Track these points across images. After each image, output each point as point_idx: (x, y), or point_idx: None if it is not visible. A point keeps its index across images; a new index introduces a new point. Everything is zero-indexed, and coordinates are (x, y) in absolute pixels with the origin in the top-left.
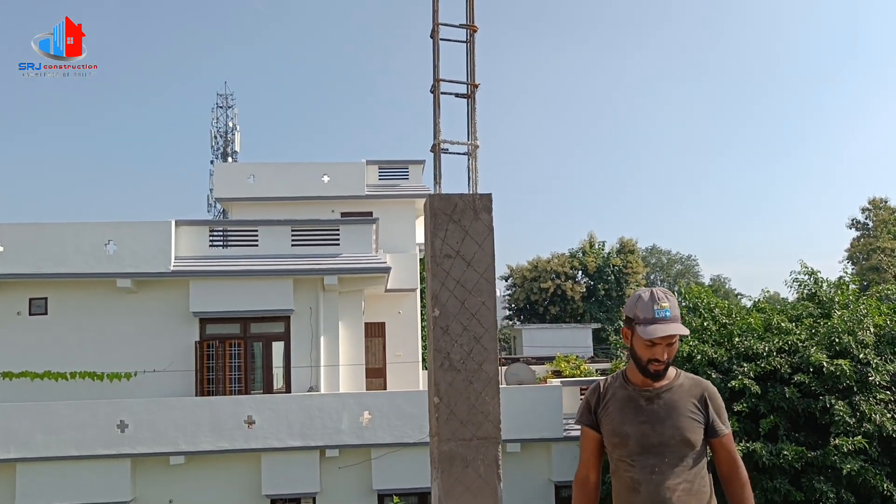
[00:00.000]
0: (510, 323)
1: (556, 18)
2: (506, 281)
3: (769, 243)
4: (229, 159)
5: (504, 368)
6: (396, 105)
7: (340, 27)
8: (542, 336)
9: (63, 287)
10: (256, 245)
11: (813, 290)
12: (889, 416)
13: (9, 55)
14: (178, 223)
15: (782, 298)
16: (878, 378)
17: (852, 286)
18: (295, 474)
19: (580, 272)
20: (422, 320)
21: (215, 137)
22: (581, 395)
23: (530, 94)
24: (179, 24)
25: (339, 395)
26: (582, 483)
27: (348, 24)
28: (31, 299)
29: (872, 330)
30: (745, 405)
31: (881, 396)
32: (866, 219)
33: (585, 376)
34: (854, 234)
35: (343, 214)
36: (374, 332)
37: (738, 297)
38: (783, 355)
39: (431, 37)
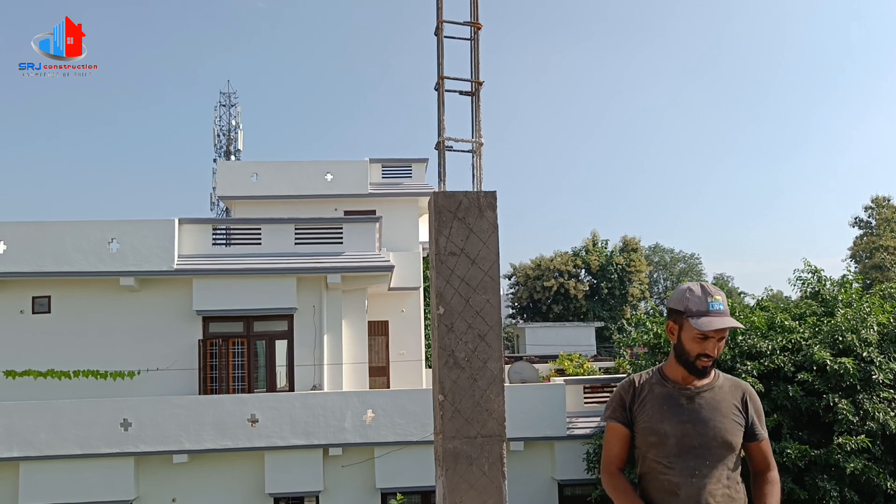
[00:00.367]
0: (513, 321)
1: (561, 16)
2: (509, 279)
3: (772, 242)
4: (232, 158)
5: (507, 367)
6: (400, 103)
7: (343, 25)
8: (545, 335)
9: (66, 285)
10: (260, 243)
11: (816, 289)
12: (893, 414)
13: (9, 55)
14: (181, 221)
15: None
16: (881, 376)
17: (856, 284)
18: (298, 473)
19: (583, 271)
20: (425, 319)
21: (218, 136)
22: (585, 393)
23: (534, 92)
24: (182, 23)
25: (342, 393)
26: (616, 473)
27: (351, 21)
28: (34, 298)
29: (876, 328)
30: None
31: (885, 395)
32: (869, 217)
33: (589, 375)
34: (857, 232)
35: (346, 213)
36: (378, 331)
37: (742, 295)
38: (786, 354)
39: (436, 34)
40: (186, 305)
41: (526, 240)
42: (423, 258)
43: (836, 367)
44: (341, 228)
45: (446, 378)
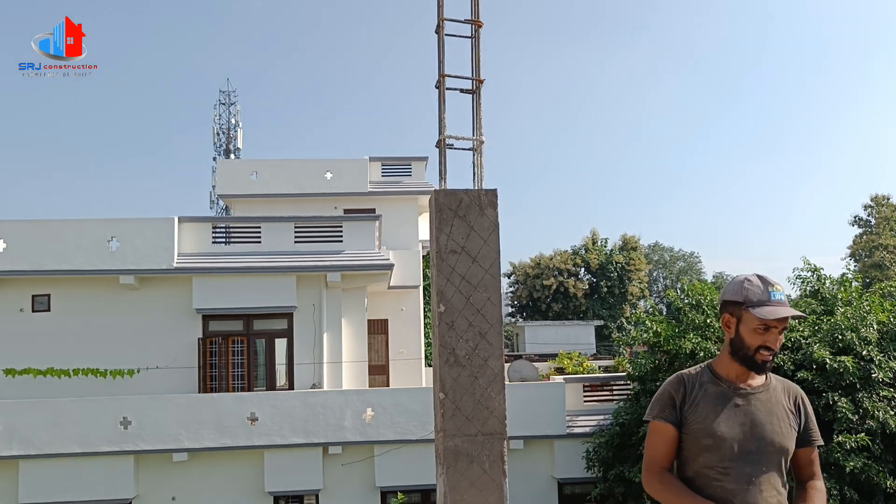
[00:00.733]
0: (513, 320)
1: (562, 13)
2: (508, 278)
3: (772, 240)
4: (232, 156)
5: (507, 365)
6: (401, 101)
7: (344, 22)
8: (544, 333)
9: (66, 284)
10: (259, 242)
11: (816, 287)
12: (892, 413)
13: (9, 55)
14: (180, 220)
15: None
16: (881, 375)
17: (855, 283)
18: (298, 471)
19: (583, 269)
20: (425, 317)
21: (218, 134)
22: (584, 392)
23: (535, 90)
24: (181, 21)
25: (342, 391)
26: (664, 472)
27: (352, 19)
28: (33, 296)
29: (875, 327)
30: None
31: (884, 393)
32: (869, 216)
33: (588, 373)
34: (856, 230)
35: (346, 211)
36: (377, 329)
37: None
38: (786, 352)
39: (437, 32)
40: (186, 304)
41: (525, 238)
42: (423, 256)
43: (835, 365)
44: (341, 227)
45: (447, 376)
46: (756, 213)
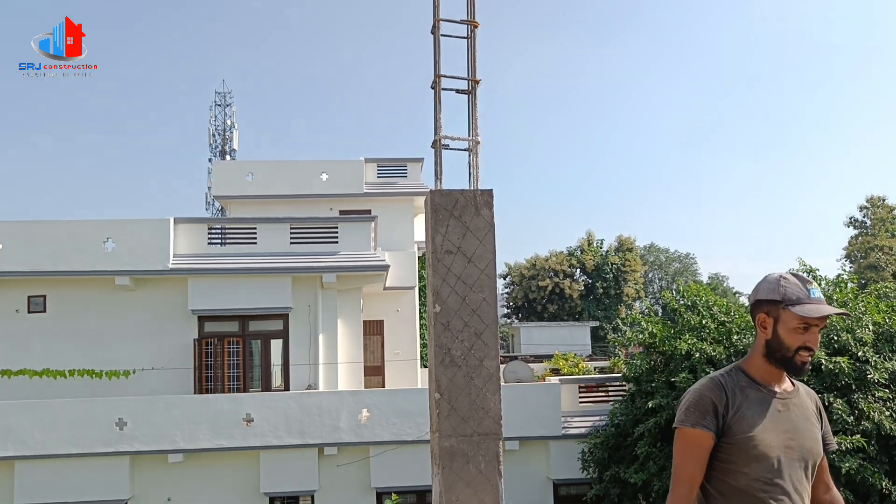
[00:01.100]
0: (508, 321)
1: (557, 14)
2: (504, 279)
3: (768, 241)
4: (227, 157)
5: (502, 366)
6: (397, 102)
7: (339, 24)
8: (540, 334)
9: (62, 285)
10: (255, 243)
11: None
12: (887, 414)
13: (9, 55)
14: (176, 221)
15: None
16: (876, 376)
17: (851, 284)
18: (293, 472)
19: (578, 270)
20: (420, 318)
21: (213, 135)
22: (580, 393)
23: (531, 91)
24: (178, 23)
25: (337, 392)
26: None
27: (348, 20)
28: (29, 297)
29: (871, 328)
30: None
31: (880, 394)
32: (864, 217)
33: (584, 374)
34: (852, 232)
35: (341, 212)
36: (373, 330)
37: (737, 295)
38: None
39: (432, 32)
40: (182, 305)
41: (521, 239)
42: (419, 258)
43: (831, 366)
44: (336, 228)
45: (442, 376)
46: (752, 215)
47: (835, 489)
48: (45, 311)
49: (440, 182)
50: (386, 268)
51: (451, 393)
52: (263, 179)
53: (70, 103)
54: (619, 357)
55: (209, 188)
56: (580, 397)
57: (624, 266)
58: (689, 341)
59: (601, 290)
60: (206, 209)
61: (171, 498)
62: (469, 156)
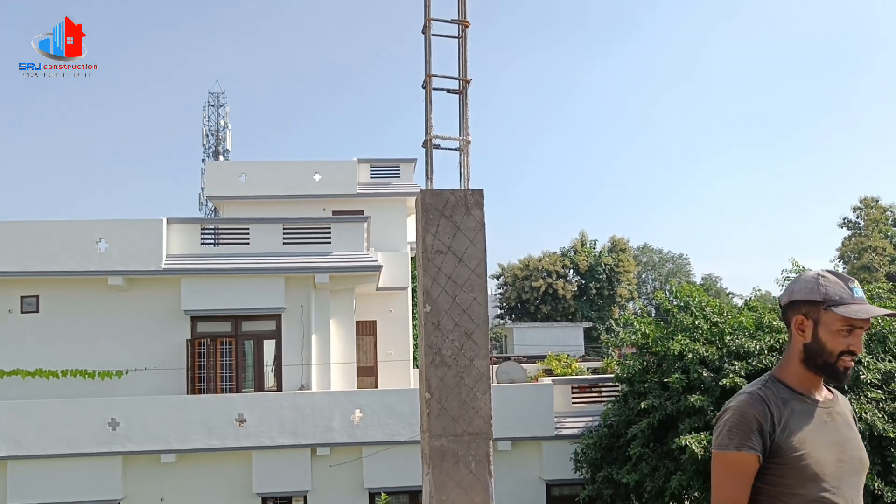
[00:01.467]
0: (501, 322)
1: (549, 14)
2: (497, 280)
3: (761, 242)
4: (221, 158)
5: (495, 367)
6: (391, 103)
7: (332, 24)
8: (533, 335)
9: (54, 285)
10: (248, 243)
11: None
12: (880, 414)
13: (9, 55)
14: (169, 221)
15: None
16: (869, 377)
17: None
18: (286, 473)
19: (571, 271)
20: (413, 319)
21: (207, 136)
22: (573, 394)
23: (523, 91)
24: (171, 23)
25: (330, 393)
26: None
27: (340, 21)
28: (22, 297)
29: None
30: None
31: (872, 395)
32: (857, 218)
33: (577, 375)
34: (845, 232)
35: (334, 213)
36: (366, 331)
37: (730, 295)
38: (774, 354)
39: (423, 32)
40: (175, 305)
41: (514, 240)
42: (412, 258)
43: None
44: (329, 228)
45: (433, 376)
46: (745, 216)
47: None
48: (37, 311)
49: (431, 182)
50: (379, 268)
51: (441, 393)
52: (256, 180)
53: (61, 104)
54: (613, 358)
55: (202, 188)
56: (573, 398)
57: (617, 267)
58: (681, 342)
59: (594, 291)
60: (200, 209)
61: (164, 498)
62: (460, 155)
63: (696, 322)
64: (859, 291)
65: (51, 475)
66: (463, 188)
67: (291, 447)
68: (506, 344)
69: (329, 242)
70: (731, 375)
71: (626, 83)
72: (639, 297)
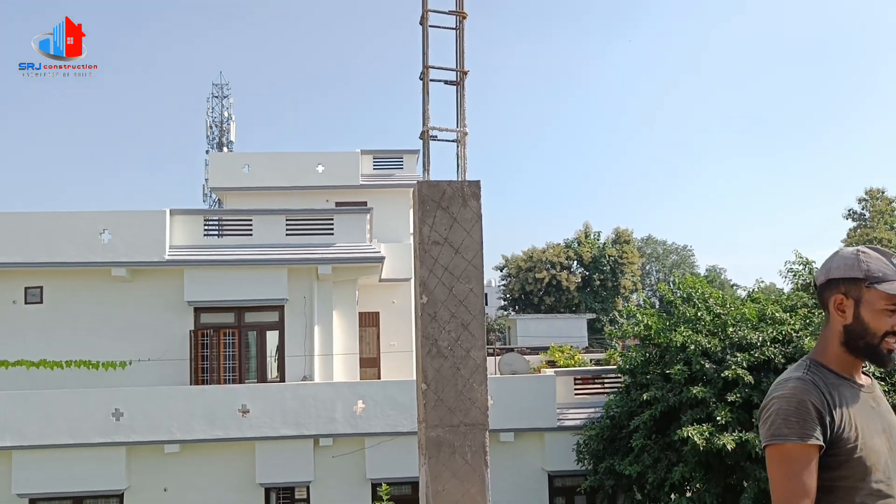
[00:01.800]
0: (505, 313)
1: (549, 4)
2: (500, 271)
3: (765, 234)
4: (224, 149)
5: (498, 358)
6: (393, 93)
7: (334, 16)
8: (536, 326)
9: (58, 276)
10: (251, 234)
11: (808, 280)
12: None
13: (9, 55)
14: (172, 212)
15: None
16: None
17: None
18: (289, 463)
19: (575, 262)
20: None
21: (210, 127)
22: (575, 385)
23: (525, 82)
24: (175, 15)
25: (333, 384)
26: None
27: (342, 12)
28: (26, 288)
29: None
30: (738, 395)
31: None
32: (863, 209)
33: (580, 366)
34: (851, 224)
35: (337, 204)
36: (369, 322)
37: (734, 287)
38: (777, 345)
39: (421, 23)
40: (178, 296)
41: (518, 231)
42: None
43: None
44: (332, 219)
45: (429, 367)
46: (749, 207)
47: None
48: (41, 302)
49: (428, 173)
50: (381, 259)
51: (437, 383)
52: (260, 171)
53: (67, 99)
54: (616, 349)
55: (206, 180)
56: (576, 389)
57: (621, 258)
58: (684, 333)
59: (598, 283)
60: (204, 201)
61: (167, 488)
62: (457, 147)
63: (699, 313)
64: None
65: (55, 466)
66: (460, 179)
67: (294, 438)
68: (509, 335)
69: (332, 234)
70: (733, 367)
71: (629, 76)
72: (642, 289)
